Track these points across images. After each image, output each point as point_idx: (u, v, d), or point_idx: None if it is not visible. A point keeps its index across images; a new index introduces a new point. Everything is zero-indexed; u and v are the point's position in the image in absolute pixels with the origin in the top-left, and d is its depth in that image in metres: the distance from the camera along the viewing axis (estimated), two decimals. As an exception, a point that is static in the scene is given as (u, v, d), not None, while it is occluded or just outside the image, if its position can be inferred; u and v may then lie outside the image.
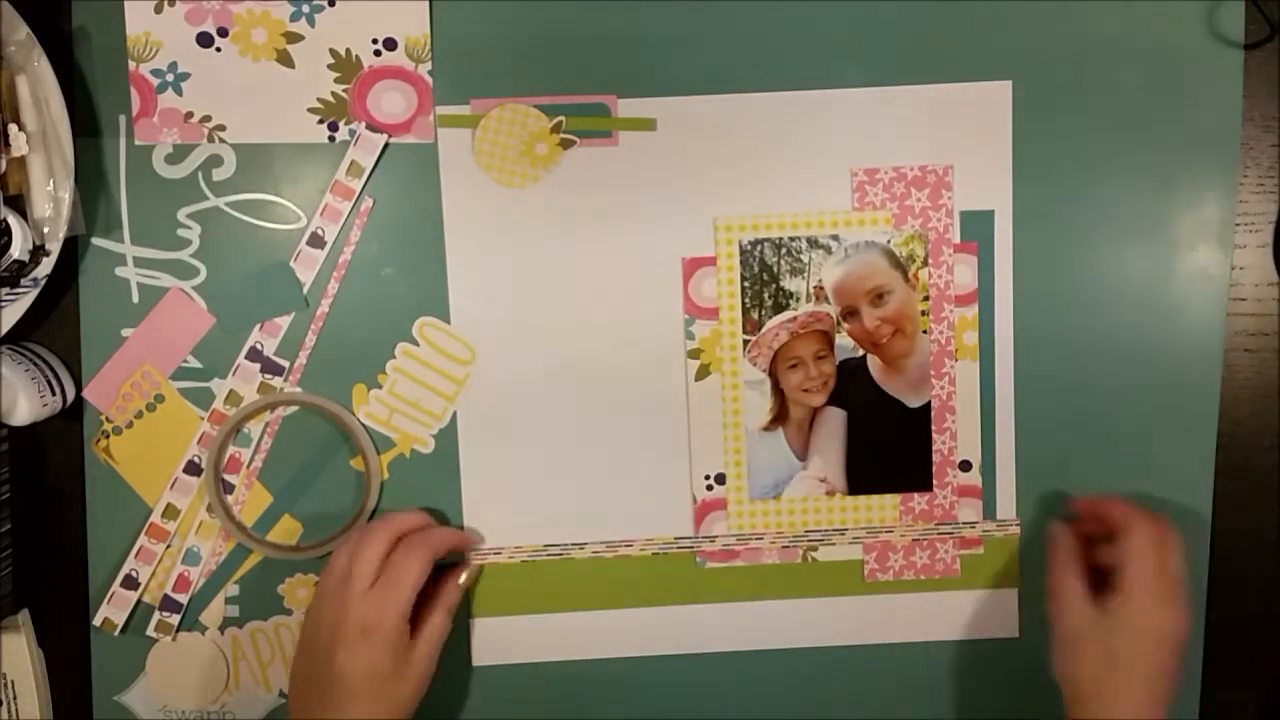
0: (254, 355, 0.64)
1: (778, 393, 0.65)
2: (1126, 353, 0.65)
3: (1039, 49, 0.64)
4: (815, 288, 0.64)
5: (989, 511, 0.66)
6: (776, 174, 0.64)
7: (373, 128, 0.63)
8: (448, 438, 0.65)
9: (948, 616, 0.67)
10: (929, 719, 0.68)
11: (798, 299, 0.64)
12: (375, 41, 0.63)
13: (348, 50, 0.63)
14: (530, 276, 0.64)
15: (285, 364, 0.64)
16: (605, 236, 0.64)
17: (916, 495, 0.66)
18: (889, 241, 0.64)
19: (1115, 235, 0.65)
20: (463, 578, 0.64)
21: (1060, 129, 0.64)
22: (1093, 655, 0.58)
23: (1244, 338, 0.66)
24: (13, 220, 0.59)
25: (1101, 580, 0.60)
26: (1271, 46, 0.64)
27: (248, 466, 0.65)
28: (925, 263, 0.64)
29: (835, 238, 0.64)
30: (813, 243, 0.64)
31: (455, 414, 0.65)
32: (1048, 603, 0.62)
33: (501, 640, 0.66)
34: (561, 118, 0.63)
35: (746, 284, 0.64)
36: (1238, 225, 0.65)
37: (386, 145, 0.64)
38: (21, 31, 0.59)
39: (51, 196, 0.60)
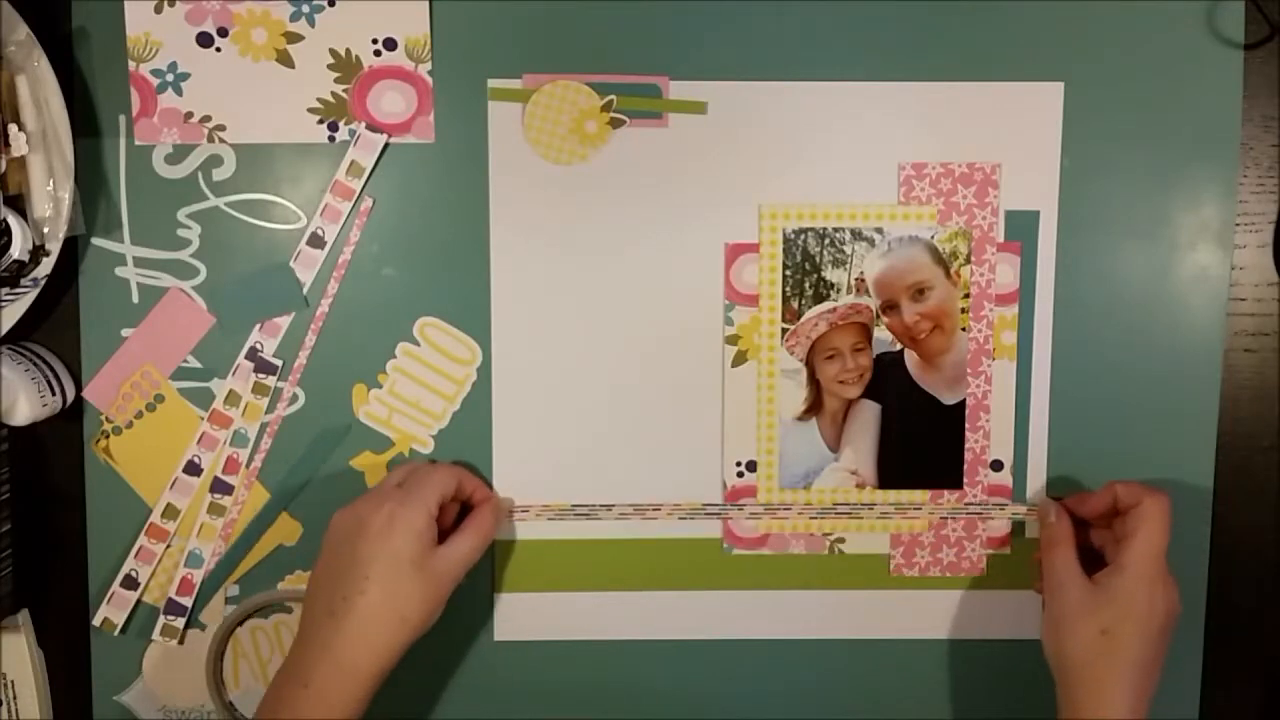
0: (253, 355, 0.64)
1: (813, 383, 0.65)
2: (1125, 353, 0.65)
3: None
4: (856, 280, 0.64)
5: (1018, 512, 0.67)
6: (823, 164, 0.64)
7: (373, 128, 0.63)
8: (447, 438, 0.65)
9: (971, 615, 0.67)
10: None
11: (838, 290, 0.64)
12: (375, 41, 0.63)
13: (348, 50, 0.63)
14: (572, 254, 0.65)
15: (284, 364, 0.65)
16: (650, 217, 0.65)
17: (947, 492, 0.66)
18: (932, 237, 0.64)
19: (1115, 235, 0.65)
20: (492, 508, 0.62)
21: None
22: (1086, 632, 0.58)
23: (1244, 338, 0.66)
24: (13, 220, 0.59)
25: (1088, 562, 0.61)
26: (1271, 46, 0.64)
27: (247, 467, 0.65)
28: (968, 260, 0.65)
29: (879, 230, 0.64)
30: (856, 234, 0.64)
31: (489, 392, 0.65)
32: (1042, 580, 0.62)
33: (524, 617, 0.67)
34: (613, 96, 0.64)
35: (788, 272, 0.64)
36: (1238, 225, 0.65)
37: (386, 145, 0.64)
38: (21, 31, 0.59)
39: (51, 196, 0.60)
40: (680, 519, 0.66)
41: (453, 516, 0.63)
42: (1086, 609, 0.58)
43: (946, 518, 0.66)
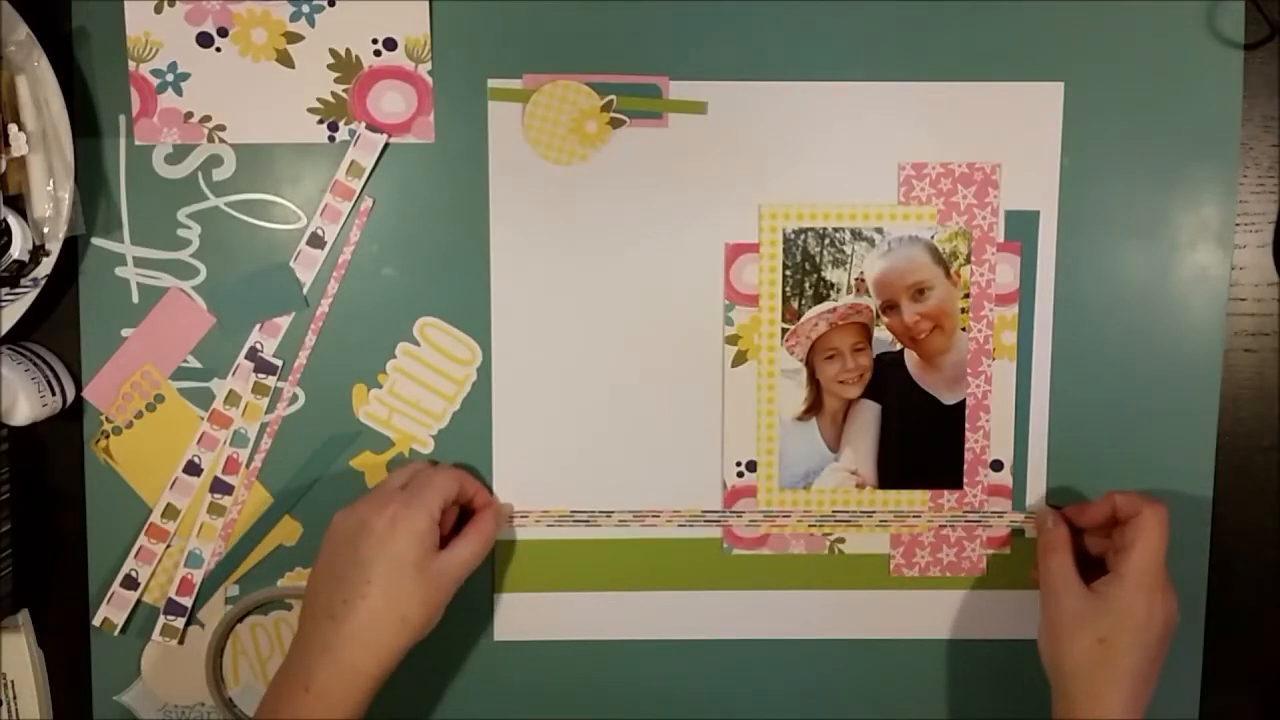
0: (253, 355, 0.64)
1: (813, 383, 0.65)
2: (1125, 353, 0.65)
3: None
4: (856, 280, 0.64)
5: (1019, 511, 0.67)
6: (823, 164, 0.64)
7: (373, 128, 0.63)
8: (447, 438, 0.65)
9: (971, 615, 0.67)
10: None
11: (838, 290, 0.64)
12: (375, 41, 0.63)
13: (348, 50, 0.63)
14: (572, 254, 0.65)
15: (284, 364, 0.65)
16: (650, 217, 0.65)
17: (947, 492, 0.66)
18: (932, 237, 0.64)
19: (1115, 235, 0.65)
20: (493, 513, 0.63)
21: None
22: (1084, 640, 0.58)
23: (1244, 338, 0.66)
24: (13, 220, 0.59)
25: (1085, 569, 0.61)
26: (1271, 46, 0.64)
27: (247, 467, 0.65)
28: (968, 260, 0.65)
29: (879, 230, 0.64)
30: (856, 234, 0.64)
31: (489, 392, 0.65)
32: (1040, 586, 0.62)
33: (524, 617, 0.67)
34: (613, 96, 0.64)
35: (788, 272, 0.64)
36: (1238, 225, 0.65)
37: (386, 145, 0.64)
38: (21, 31, 0.59)
39: (51, 196, 0.60)
40: (680, 526, 0.66)
41: (452, 520, 0.63)
42: (1084, 617, 0.58)
43: (945, 526, 0.66)
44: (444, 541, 0.60)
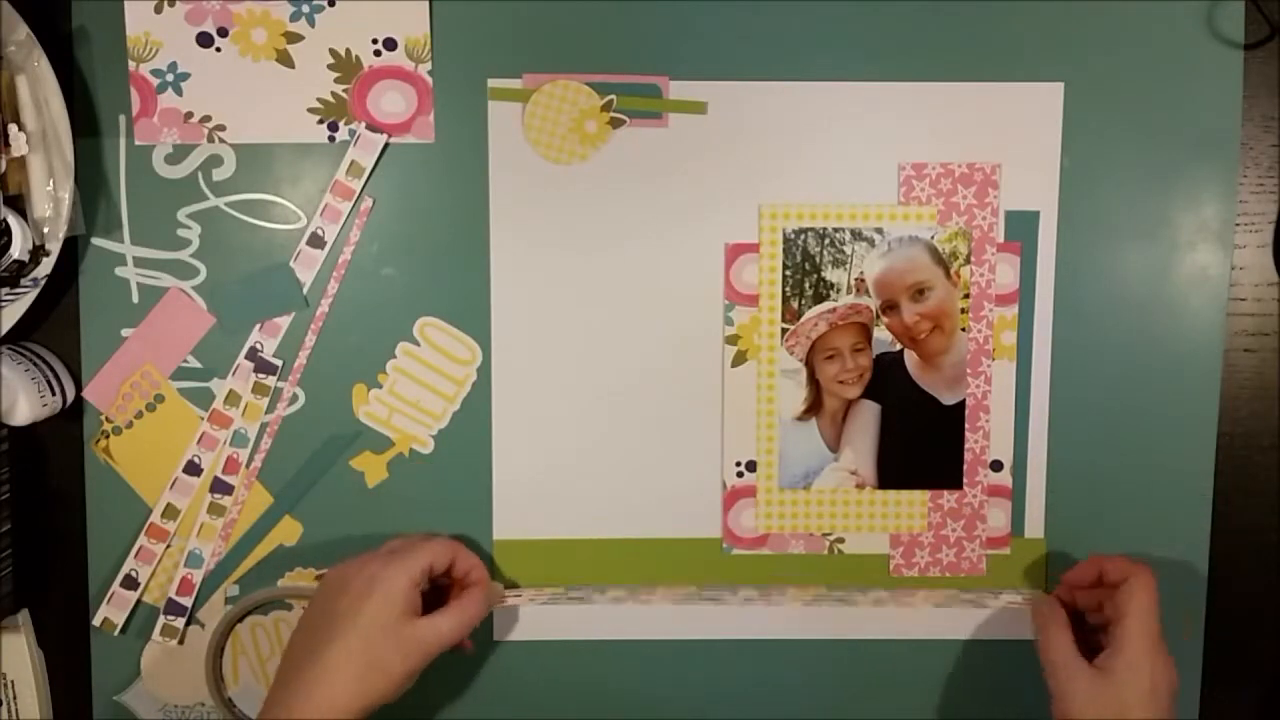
0: (253, 355, 0.64)
1: (813, 383, 0.65)
2: (1125, 353, 0.65)
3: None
4: (856, 280, 0.64)
5: (1018, 512, 0.66)
6: (824, 164, 0.64)
7: (373, 128, 0.63)
8: (447, 438, 0.65)
9: (971, 615, 0.67)
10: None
11: (838, 290, 0.64)
12: (375, 41, 0.63)
13: (348, 50, 0.63)
14: (572, 253, 0.65)
15: (284, 364, 0.65)
16: (649, 217, 0.65)
17: (946, 493, 0.66)
18: (932, 237, 0.64)
19: (1115, 235, 0.65)
20: (483, 593, 0.62)
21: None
22: (1094, 715, 0.58)
23: (1244, 338, 0.66)
24: (13, 220, 0.59)
25: (1083, 641, 0.61)
26: (1271, 46, 0.64)
27: (247, 467, 0.65)
28: (968, 260, 0.65)
29: (879, 231, 0.64)
30: (856, 234, 0.64)
31: (489, 392, 0.65)
32: (1043, 662, 0.61)
33: (525, 617, 0.67)
34: (613, 96, 0.64)
35: (788, 272, 0.64)
36: (1238, 225, 0.65)
37: (386, 145, 0.64)
38: (21, 31, 0.59)
39: (51, 196, 0.60)
40: (674, 603, 0.66)
41: (451, 592, 0.62)
42: (1094, 696, 0.58)
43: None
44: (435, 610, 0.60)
